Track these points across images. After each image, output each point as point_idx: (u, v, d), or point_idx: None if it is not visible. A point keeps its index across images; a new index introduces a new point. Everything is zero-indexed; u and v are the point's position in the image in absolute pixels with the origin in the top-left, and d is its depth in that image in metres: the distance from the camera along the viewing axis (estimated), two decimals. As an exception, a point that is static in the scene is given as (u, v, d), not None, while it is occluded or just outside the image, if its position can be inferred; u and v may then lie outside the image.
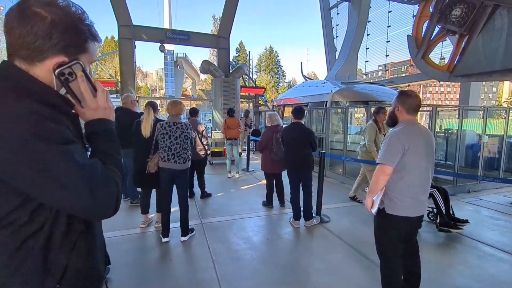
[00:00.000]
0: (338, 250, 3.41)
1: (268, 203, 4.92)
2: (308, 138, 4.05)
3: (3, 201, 0.70)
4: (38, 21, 0.72)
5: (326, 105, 8.50)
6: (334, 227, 4.07)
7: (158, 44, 11.57)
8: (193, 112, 5.50)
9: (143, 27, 11.15)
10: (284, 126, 4.74)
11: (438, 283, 2.72)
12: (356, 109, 10.07)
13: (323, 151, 4.40)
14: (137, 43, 11.32)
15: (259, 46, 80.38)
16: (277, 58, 62.55)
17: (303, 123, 4.34)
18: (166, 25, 61.28)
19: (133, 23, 10.84)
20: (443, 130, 9.15)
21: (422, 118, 10.34)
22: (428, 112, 8.13)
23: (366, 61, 14.74)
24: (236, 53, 58.17)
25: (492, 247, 3.50)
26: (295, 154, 4.08)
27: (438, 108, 6.15)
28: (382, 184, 2.11)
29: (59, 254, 0.78)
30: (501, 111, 7.93)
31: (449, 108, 13.38)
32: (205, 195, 5.41)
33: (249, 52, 31.17)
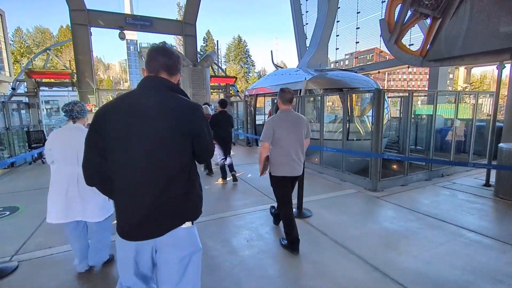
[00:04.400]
0: (325, 248, 3.17)
1: (209, 171, 6.75)
2: (231, 121, 6.09)
3: (187, 155, 1.42)
4: (175, 56, 1.45)
5: (300, 94, 8.26)
6: (317, 222, 3.83)
7: (118, 33, 10.62)
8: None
9: (99, 12, 10.14)
10: (213, 114, 6.29)
11: (428, 277, 2.57)
12: (326, 96, 9.99)
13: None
14: (95, 32, 10.31)
15: (227, 36, 78.85)
16: (246, 47, 61.62)
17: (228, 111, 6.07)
18: (127, 11, 57.76)
19: (88, 8, 9.80)
20: (412, 116, 9.31)
21: (397, 104, 10.40)
22: (400, 98, 8.20)
23: (336, 49, 14.72)
24: (204, 43, 56.42)
25: (476, 233, 3.45)
26: (223, 132, 5.81)
27: (414, 93, 6.11)
28: (264, 155, 3.08)
29: (198, 181, 1.53)
30: (469, 95, 8.18)
31: (420, 94, 13.75)
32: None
33: (217, 41, 30.20)
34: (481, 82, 47.77)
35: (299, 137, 3.06)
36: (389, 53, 7.60)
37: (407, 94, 5.80)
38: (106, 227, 2.68)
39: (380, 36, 12.23)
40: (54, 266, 2.85)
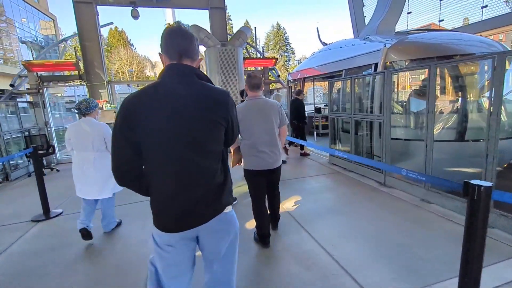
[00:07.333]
0: None
1: None
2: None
3: (221, 143, 1.37)
4: (194, 39, 1.32)
5: (376, 69, 5.46)
6: None
7: (131, 10, 8.68)
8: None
9: (106, -15, 8.24)
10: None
11: None
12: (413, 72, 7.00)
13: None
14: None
15: (266, 24, 75.47)
16: (285, 35, 58.27)
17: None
18: None
19: (91, -20, 7.95)
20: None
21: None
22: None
23: (408, 13, 11.24)
24: (242, 33, 54.21)
25: None
26: None
27: None
28: (234, 147, 2.89)
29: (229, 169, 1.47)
30: None
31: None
32: None
33: (255, 27, 27.62)
34: None
35: (268, 126, 2.80)
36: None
37: None
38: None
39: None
40: None
